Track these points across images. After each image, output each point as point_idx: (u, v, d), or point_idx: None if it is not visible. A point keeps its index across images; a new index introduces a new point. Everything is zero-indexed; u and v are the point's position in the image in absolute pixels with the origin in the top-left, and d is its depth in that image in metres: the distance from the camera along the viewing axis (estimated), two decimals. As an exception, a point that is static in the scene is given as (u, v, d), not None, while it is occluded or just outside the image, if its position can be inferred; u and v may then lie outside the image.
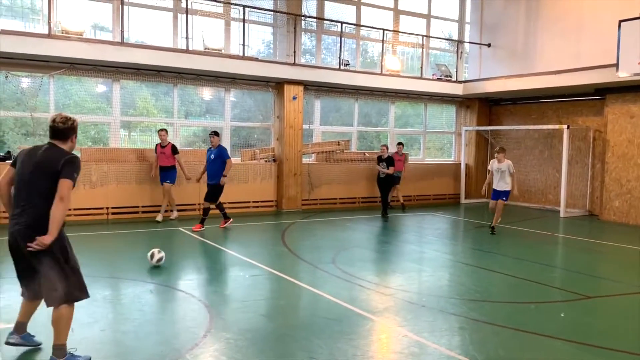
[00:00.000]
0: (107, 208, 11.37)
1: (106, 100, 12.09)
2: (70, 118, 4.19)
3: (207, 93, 13.47)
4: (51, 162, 4.00)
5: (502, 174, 10.30)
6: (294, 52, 13.21)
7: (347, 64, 14.02)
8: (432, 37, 16.38)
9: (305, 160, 13.96)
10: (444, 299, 6.22)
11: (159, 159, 11.20)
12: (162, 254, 7.21)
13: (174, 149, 11.16)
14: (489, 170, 10.67)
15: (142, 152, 11.84)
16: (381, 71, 14.56)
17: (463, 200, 16.32)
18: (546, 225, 12.22)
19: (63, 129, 4.13)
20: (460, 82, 15.91)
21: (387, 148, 12.20)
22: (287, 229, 10.86)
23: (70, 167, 4.00)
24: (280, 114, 13.39)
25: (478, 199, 16.32)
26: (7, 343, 4.30)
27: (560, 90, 14.02)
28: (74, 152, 4.24)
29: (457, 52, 16.49)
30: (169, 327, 5.12)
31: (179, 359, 4.25)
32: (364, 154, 15.01)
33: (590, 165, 14.12)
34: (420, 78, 15.24)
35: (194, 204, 12.08)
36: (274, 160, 13.52)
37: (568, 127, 13.63)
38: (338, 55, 14.01)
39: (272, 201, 13.45)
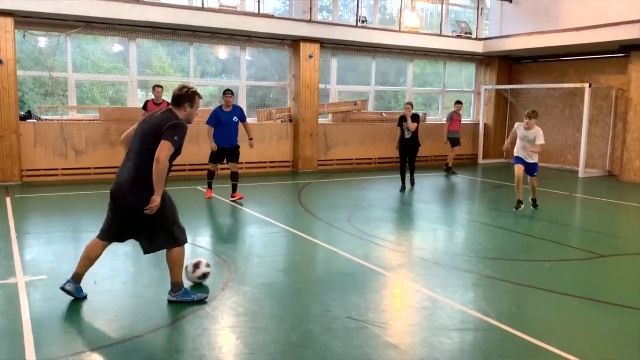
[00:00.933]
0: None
1: (123, 59, 12.11)
2: (186, 86, 4.47)
3: (222, 52, 13.40)
4: (159, 124, 4.26)
5: (528, 142, 8.67)
6: (310, 8, 12.99)
7: (364, 21, 13.77)
8: (452, -8, 15.95)
9: (321, 120, 13.92)
10: (459, 257, 6.28)
11: None
12: (209, 269, 5.14)
13: None
14: (514, 132, 9.02)
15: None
16: (399, 28, 14.28)
17: (481, 161, 16.21)
18: (564, 185, 12.12)
19: (177, 95, 4.42)
20: (480, 39, 15.55)
21: (412, 106, 10.95)
22: (303, 188, 10.94)
23: (171, 130, 4.21)
24: (296, 73, 13.28)
25: (496, 159, 16.20)
26: (62, 289, 4.52)
27: (583, 48, 13.64)
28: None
29: (478, 8, 16.06)
30: (188, 281, 5.27)
31: (197, 311, 4.40)
32: (382, 114, 14.90)
33: (611, 125, 13.86)
34: (440, 35, 14.93)
35: (184, 165, 11.88)
36: (290, 121, 13.51)
37: (590, 86, 13.33)
38: (355, 12, 13.75)
39: (288, 161, 13.51)
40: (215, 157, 9.26)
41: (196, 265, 4.99)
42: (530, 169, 8.83)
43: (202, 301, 4.58)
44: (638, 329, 4.32)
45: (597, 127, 14.02)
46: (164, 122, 4.25)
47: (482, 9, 16.17)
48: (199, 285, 4.97)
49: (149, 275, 5.41)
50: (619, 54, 13.33)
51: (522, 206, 8.73)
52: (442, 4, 15.35)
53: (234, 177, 9.27)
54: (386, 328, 4.16)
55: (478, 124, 16.39)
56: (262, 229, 7.41)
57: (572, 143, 14.69)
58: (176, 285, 4.57)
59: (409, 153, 11.01)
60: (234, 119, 9.14)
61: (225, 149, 9.16)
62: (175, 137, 4.21)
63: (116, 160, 11.19)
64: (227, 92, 9.26)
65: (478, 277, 5.51)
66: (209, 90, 13.73)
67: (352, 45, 13.97)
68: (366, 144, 14.41)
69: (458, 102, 13.98)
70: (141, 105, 11.08)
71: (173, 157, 4.32)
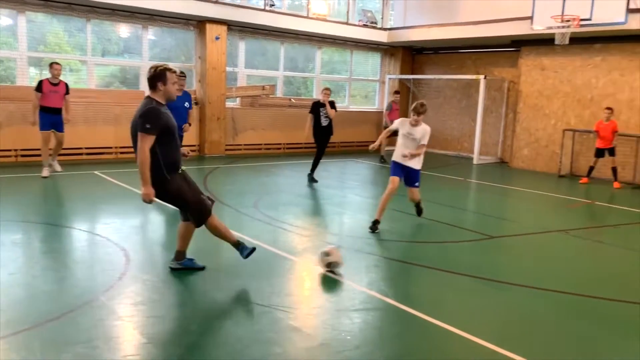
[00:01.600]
0: (16, 150, 10.71)
1: (12, 34, 11.15)
2: (153, 66, 4.49)
3: (124, 30, 12.74)
4: (136, 116, 4.41)
5: (412, 141, 6.86)
6: (217, -11, 12.68)
7: (272, 5, 13.66)
8: (359, -19, 16.22)
9: (229, 104, 13.71)
10: (362, 240, 6.47)
11: (47, 99, 9.18)
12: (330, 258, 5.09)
13: (68, 88, 9.46)
14: (394, 128, 7.16)
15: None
16: (307, 14, 14.33)
17: (385, 148, 16.73)
18: (460, 171, 12.85)
19: (148, 79, 4.48)
20: (385, 29, 15.99)
21: (330, 92, 10.15)
22: (210, 174, 10.75)
23: (141, 120, 4.31)
24: (203, 54, 12.95)
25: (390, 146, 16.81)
26: (170, 268, 4.97)
27: (479, 41, 14.45)
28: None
29: (384, -2, 16.48)
30: (84, 270, 5.02)
31: (93, 301, 4.21)
32: (290, 99, 14.93)
33: (503, 115, 14.85)
34: (347, 23, 15.16)
35: (80, 148, 11.31)
36: (196, 103, 13.16)
37: (485, 78, 14.18)
38: (264, -4, 13.62)
39: (194, 145, 13.18)
40: None
41: (326, 254, 5.10)
42: (410, 178, 7.09)
43: (201, 268, 5.01)
44: (522, 304, 4.71)
45: (491, 117, 14.96)
46: (137, 114, 4.38)
47: (387, -1, 16.61)
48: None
49: (40, 265, 5.09)
50: (511, 48, 14.28)
51: (379, 229, 6.78)
52: (349, -7, 15.58)
53: None
54: (290, 312, 4.22)
55: (382, 112, 16.87)
56: (165, 216, 7.20)
57: (468, 132, 15.57)
58: (178, 254, 4.98)
59: (325, 141, 10.33)
60: (185, 105, 8.52)
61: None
62: (147, 125, 4.27)
63: (4, 143, 10.52)
64: (182, 75, 8.45)
65: (379, 259, 5.73)
66: (110, 70, 13.04)
67: (260, 29, 13.84)
68: (275, 130, 14.39)
69: (396, 92, 14.22)
70: (34, 85, 9.46)
71: (170, 138, 4.45)
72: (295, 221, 7.30)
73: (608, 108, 11.27)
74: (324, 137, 10.27)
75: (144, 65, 12.47)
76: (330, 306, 4.45)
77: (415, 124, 6.81)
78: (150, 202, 4.42)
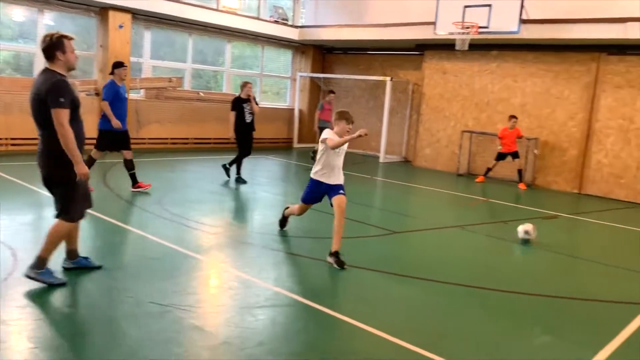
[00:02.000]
0: None
1: None
2: (48, 34, 4.22)
3: (18, 13, 11.80)
4: (39, 92, 4.05)
5: (342, 153, 6.00)
6: (121, -25, 12.08)
7: (180, -5, 13.24)
8: (270, -23, 16.15)
9: (132, 95, 13.12)
10: (269, 236, 6.45)
11: None
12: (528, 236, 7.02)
13: None
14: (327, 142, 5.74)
15: None
16: (217, 7, 14.05)
17: (296, 145, 16.84)
18: (367, 169, 13.20)
19: (44, 49, 4.21)
20: (296, 26, 16.05)
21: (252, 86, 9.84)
22: (110, 169, 10.23)
23: (53, 95, 3.99)
24: (105, 43, 12.29)
25: (309, 143, 16.97)
26: (64, 268, 4.63)
27: (386, 44, 14.91)
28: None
29: (295, -4, 16.53)
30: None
31: (-28, 305, 3.85)
32: (199, 93, 14.57)
33: (408, 116, 15.43)
34: (258, 19, 15.04)
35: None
36: (97, 94, 12.47)
37: (391, 79, 14.66)
38: (171, -15, 13.15)
39: (93, 139, 12.43)
40: (106, 143, 8.03)
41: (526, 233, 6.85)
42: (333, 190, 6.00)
43: (60, 285, 4.33)
44: (422, 297, 4.91)
45: (396, 118, 15.50)
46: (42, 89, 4.04)
47: (299, -3, 16.69)
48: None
49: None
50: (416, 52, 14.86)
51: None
52: (260, -12, 15.47)
53: (131, 165, 8.20)
54: (191, 311, 4.11)
55: (293, 109, 16.97)
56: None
57: (375, 131, 16.00)
58: (40, 261, 4.28)
59: (251, 138, 9.87)
60: (125, 95, 8.09)
61: (122, 133, 8.02)
62: (61, 99, 4.00)
63: None
64: (125, 65, 8.10)
65: (286, 256, 5.74)
66: (2, 56, 12.01)
67: (167, 19, 13.37)
68: (182, 124, 13.97)
69: (331, 92, 13.99)
70: None
71: (77, 113, 4.22)
72: (201, 218, 7.13)
73: (513, 116, 11.88)
74: (249, 134, 9.85)
75: (39, 52, 11.61)
76: (234, 304, 4.39)
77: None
78: (87, 179, 4.28)
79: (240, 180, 9.83)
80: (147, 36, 13.49)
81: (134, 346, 3.48)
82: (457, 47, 12.00)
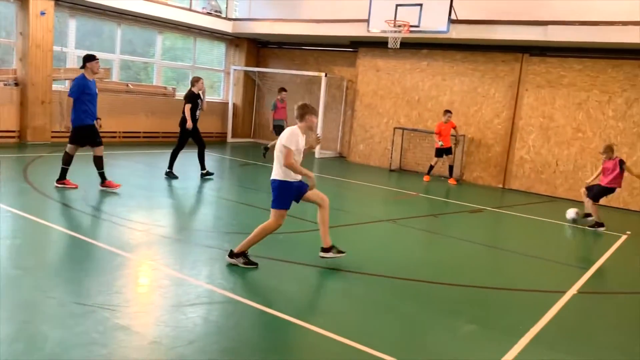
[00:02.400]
0: None
1: None
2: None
3: None
4: None
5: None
6: (42, -41, 11.44)
7: (107, -17, 12.69)
8: (203, -32, 15.79)
9: (56, 86, 12.47)
10: (201, 233, 6.33)
11: None
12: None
13: None
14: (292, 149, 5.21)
15: None
16: (147, -4, 13.57)
17: (230, 139, 16.61)
18: (303, 164, 13.18)
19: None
20: (230, 19, 15.81)
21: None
22: (32, 163, 9.69)
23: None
24: (25, 30, 11.58)
25: (244, 138, 16.80)
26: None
27: (320, 39, 14.97)
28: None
29: (229, -12, 16.27)
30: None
31: None
32: (128, 85, 14.05)
33: (342, 112, 15.58)
34: (190, 10, 14.68)
35: None
36: (16, 84, 11.76)
37: (326, 75, 14.74)
38: (98, -28, 12.59)
39: (13, 131, 11.78)
40: (81, 138, 7.84)
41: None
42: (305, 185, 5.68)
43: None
44: (355, 290, 4.97)
45: (332, 113, 15.62)
46: None
47: (232, -11, 16.43)
48: None
49: None
50: (350, 48, 15.02)
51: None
52: (193, -22, 15.10)
53: (100, 164, 8.01)
54: (117, 310, 3.96)
55: (227, 103, 16.72)
56: (-26, 210, 6.32)
57: (311, 126, 16.05)
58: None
59: (198, 133, 9.82)
60: (95, 90, 7.91)
61: (92, 128, 7.88)
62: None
63: None
64: (97, 58, 7.83)
65: (217, 252, 5.64)
66: None
67: (93, 7, 12.78)
68: (110, 117, 13.37)
69: (282, 90, 13.61)
70: None
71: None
72: (129, 215, 6.88)
73: (447, 110, 12.27)
74: (197, 130, 9.76)
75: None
76: (164, 302, 4.27)
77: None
78: None
79: (171, 175, 9.64)
80: (72, 24, 12.85)
81: (55, 350, 3.31)
82: (389, 45, 12.23)
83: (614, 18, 10.34)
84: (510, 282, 5.71)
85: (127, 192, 8.23)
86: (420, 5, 11.64)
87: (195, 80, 9.69)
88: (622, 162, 8.52)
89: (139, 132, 13.87)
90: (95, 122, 8.01)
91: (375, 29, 12.38)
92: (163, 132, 14.53)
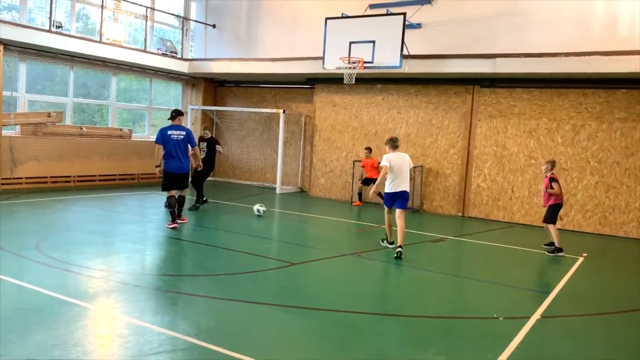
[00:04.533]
0: None
1: None
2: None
3: None
4: None
5: None
6: (-9, 4, 11.25)
7: (59, 27, 12.56)
8: (156, 9, 15.84)
9: (5, 132, 12.10)
10: (160, 277, 6.16)
11: None
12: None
13: None
14: None
15: None
16: (100, 39, 13.48)
17: (189, 179, 16.37)
18: (264, 201, 13.10)
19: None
20: (186, 59, 15.83)
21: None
22: (-19, 211, 9.28)
23: None
24: (-28, 76, 11.28)
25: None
26: None
27: (277, 77, 15.14)
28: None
29: (183, 29, 16.35)
30: None
31: None
32: (82, 127, 13.77)
33: (302, 147, 15.67)
34: (144, 51, 14.63)
35: None
36: (-37, 131, 11.36)
37: (284, 112, 14.86)
38: (49, 16, 12.43)
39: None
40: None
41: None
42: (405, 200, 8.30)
43: None
44: (321, 328, 4.89)
45: (291, 149, 15.68)
46: None
47: (187, 30, 16.51)
48: None
49: None
50: (307, 85, 15.23)
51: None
52: (146, 21, 15.10)
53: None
54: (75, 365, 3.76)
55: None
56: None
57: (271, 163, 16.09)
58: None
59: (198, 172, 10.69)
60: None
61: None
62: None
63: None
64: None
65: (179, 296, 5.48)
66: None
67: (45, 51, 12.58)
68: (64, 161, 13.08)
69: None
70: None
71: None
72: (86, 262, 6.63)
73: (367, 148, 13.20)
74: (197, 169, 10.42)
75: None
76: (125, 353, 4.09)
77: None
78: None
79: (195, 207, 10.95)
80: (23, 68, 12.58)
81: (6, 412, 3.10)
82: (345, 81, 12.46)
83: (557, 50, 10.88)
84: (476, 310, 5.75)
85: (83, 239, 7.96)
86: (373, 42, 11.97)
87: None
88: (552, 180, 8.70)
89: (95, 176, 13.55)
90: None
91: (330, 66, 12.61)
92: (120, 174, 14.26)
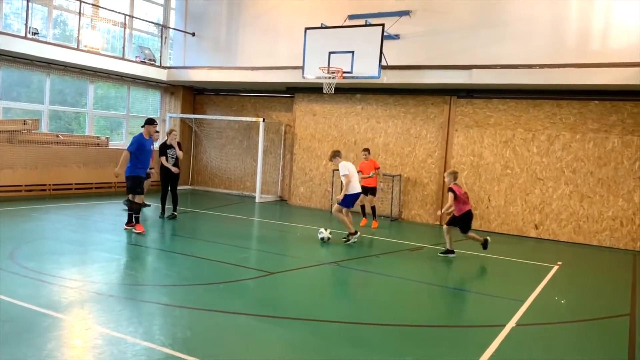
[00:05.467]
0: None
1: None
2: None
3: None
4: None
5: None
6: (-35, 10, 11.08)
7: (35, 33, 12.42)
8: (135, 17, 15.75)
9: (-21, 140, 11.88)
10: (136, 287, 6.09)
11: None
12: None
13: None
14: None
15: None
16: (78, 46, 13.34)
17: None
18: (243, 210, 13.10)
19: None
20: (164, 67, 15.75)
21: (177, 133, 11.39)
22: (-49, 220, 9.08)
23: None
24: (-56, 82, 11.07)
25: (183, 185, 16.50)
26: None
27: (257, 86, 15.16)
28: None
29: (162, 37, 16.28)
30: None
31: None
32: (58, 135, 13.58)
33: (282, 156, 15.68)
34: (122, 59, 14.52)
35: None
36: None
37: (264, 121, 14.86)
38: (25, 22, 12.28)
39: None
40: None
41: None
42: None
43: None
44: (299, 338, 4.89)
45: (271, 157, 15.68)
46: None
47: (165, 38, 16.45)
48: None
49: None
50: (286, 94, 15.27)
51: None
52: (125, 28, 15.01)
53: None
54: (47, 377, 3.70)
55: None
56: None
57: (250, 171, 16.05)
58: None
59: (172, 180, 10.88)
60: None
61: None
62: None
63: None
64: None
65: (154, 306, 5.43)
66: None
67: (21, 58, 12.41)
68: (39, 169, 12.87)
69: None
70: None
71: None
72: (60, 272, 6.53)
73: (365, 149, 12.57)
74: (171, 177, 10.84)
75: None
76: (98, 364, 4.03)
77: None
78: None
79: (161, 215, 10.99)
80: (-3, 75, 12.40)
81: None
82: (324, 91, 12.52)
83: (532, 62, 11.11)
84: (452, 319, 5.80)
85: (58, 248, 7.84)
86: (352, 52, 12.06)
87: (168, 133, 11.11)
88: (449, 190, 8.83)
89: (71, 184, 13.36)
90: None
91: (310, 75, 12.67)
92: (96, 183, 14.07)
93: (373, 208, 11.89)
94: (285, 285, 6.89)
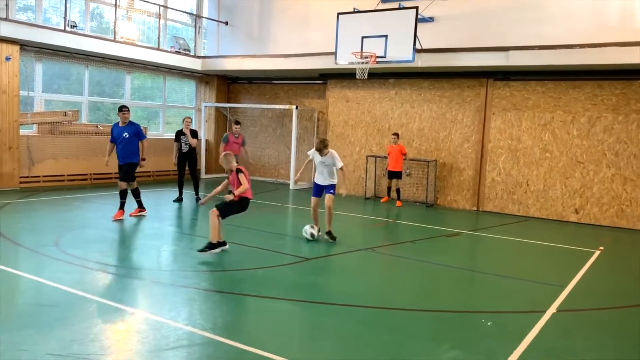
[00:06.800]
0: None
1: None
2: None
3: None
4: None
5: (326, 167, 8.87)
6: (7, 5, 11.39)
7: (74, 26, 12.70)
8: (169, 7, 15.93)
9: (23, 131, 12.29)
10: (177, 273, 6.22)
11: None
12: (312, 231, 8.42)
13: None
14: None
15: None
16: (114, 38, 13.60)
17: (203, 176, 16.51)
18: (278, 197, 13.20)
19: None
20: (199, 57, 15.91)
21: (191, 120, 11.94)
22: (0, 210, 9.45)
23: None
24: (-10, 77, 11.46)
25: (218, 173, 16.72)
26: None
27: (290, 73, 15.15)
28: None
29: (196, 26, 16.43)
30: None
31: None
32: (97, 126, 13.93)
33: (315, 143, 15.65)
34: (158, 49, 14.73)
35: None
36: (-18, 131, 11.56)
37: (297, 108, 14.88)
38: (64, 16, 12.57)
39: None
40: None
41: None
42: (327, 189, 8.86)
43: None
44: (336, 323, 4.92)
45: (304, 145, 15.69)
46: None
47: (199, 27, 16.59)
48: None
49: None
50: (319, 81, 15.23)
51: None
52: (159, 19, 15.20)
53: (123, 195, 9.50)
54: (94, 359, 3.83)
55: (200, 140, 16.65)
56: (-61, 263, 6.10)
57: (284, 159, 16.13)
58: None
59: (189, 165, 11.60)
60: (125, 135, 9.37)
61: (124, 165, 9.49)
62: None
63: None
64: (124, 109, 9.47)
65: (195, 292, 5.55)
66: None
67: (60, 50, 12.74)
68: (80, 159, 13.25)
69: (236, 123, 13.00)
70: None
71: None
72: (103, 259, 6.73)
73: (394, 133, 12.82)
74: (186, 162, 11.55)
75: None
76: (142, 348, 4.16)
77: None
78: None
79: (178, 199, 11.62)
80: (39, 68, 12.76)
81: (28, 405, 3.18)
82: (357, 76, 12.43)
83: (572, 42, 10.75)
84: (490, 305, 5.73)
85: (100, 236, 8.07)
86: (386, 36, 11.92)
87: (183, 120, 11.60)
88: (238, 170, 7.18)
89: (111, 174, 13.66)
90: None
91: (343, 61, 12.60)
92: (136, 172, 14.31)
93: (398, 190, 12.88)
94: (322, 271, 6.94)
